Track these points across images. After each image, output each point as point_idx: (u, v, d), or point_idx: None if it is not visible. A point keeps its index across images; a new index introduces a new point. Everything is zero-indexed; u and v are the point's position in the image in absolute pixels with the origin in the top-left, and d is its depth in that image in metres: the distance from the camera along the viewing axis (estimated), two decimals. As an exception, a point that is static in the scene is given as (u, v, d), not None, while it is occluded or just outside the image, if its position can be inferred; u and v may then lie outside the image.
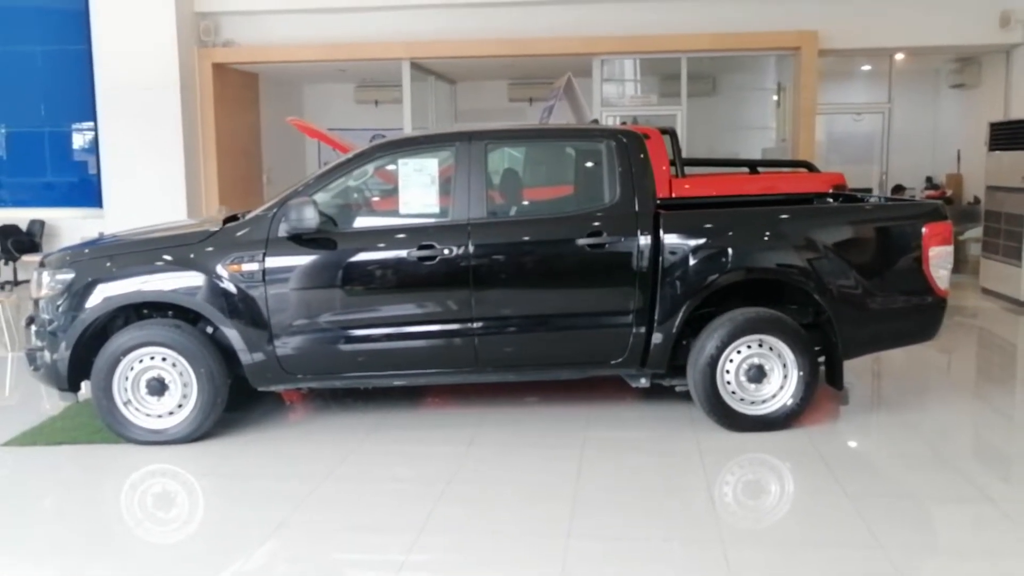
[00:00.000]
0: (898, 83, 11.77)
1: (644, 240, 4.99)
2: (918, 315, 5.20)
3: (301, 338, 4.99)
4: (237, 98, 12.20)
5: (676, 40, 10.70)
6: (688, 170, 7.72)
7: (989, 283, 9.84)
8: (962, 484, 4.29)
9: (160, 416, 5.00)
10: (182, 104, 10.95)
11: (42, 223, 11.56)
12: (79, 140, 11.97)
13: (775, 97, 12.32)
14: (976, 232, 10.42)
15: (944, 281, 5.11)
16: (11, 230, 11.36)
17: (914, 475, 4.42)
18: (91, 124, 11.47)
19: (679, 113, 11.20)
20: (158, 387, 4.97)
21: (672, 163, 7.49)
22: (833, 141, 12.77)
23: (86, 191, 11.87)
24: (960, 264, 10.07)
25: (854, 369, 5.31)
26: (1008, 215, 9.37)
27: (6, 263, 11.36)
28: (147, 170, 10.90)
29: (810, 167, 8.19)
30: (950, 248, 5.11)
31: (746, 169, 8.26)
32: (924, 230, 5.08)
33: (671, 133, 7.76)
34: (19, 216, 11.61)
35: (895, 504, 4.07)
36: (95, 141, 11.44)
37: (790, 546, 3.65)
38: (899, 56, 11.44)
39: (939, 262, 5.07)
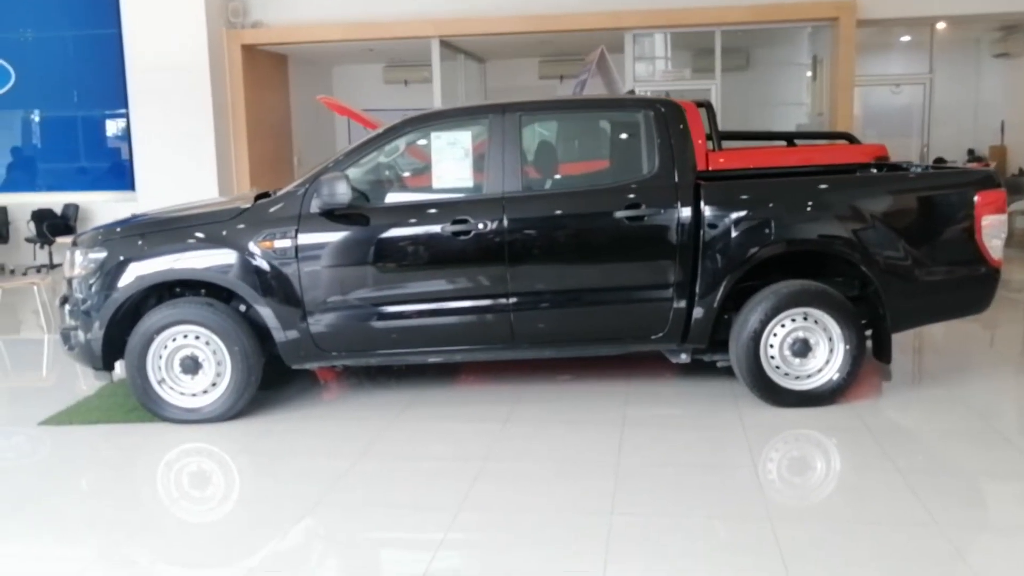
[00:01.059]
0: (938, 54, 11.46)
1: (684, 212, 4.85)
2: (970, 286, 5.02)
3: (334, 315, 4.92)
4: (267, 80, 12.16)
5: (710, 13, 10.50)
6: (725, 144, 7.52)
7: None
8: (1016, 459, 4.14)
9: (194, 395, 4.96)
10: (212, 86, 10.94)
11: (76, 207, 11.62)
12: (111, 124, 12.02)
13: (809, 73, 12.06)
14: (1022, 204, 10.14)
15: (997, 251, 4.92)
16: (46, 214, 11.43)
17: (966, 450, 4.27)
18: (123, 108, 11.49)
19: (713, 88, 11.00)
20: (192, 365, 4.93)
21: (708, 137, 7.31)
22: (869, 115, 12.48)
23: (119, 175, 11.92)
24: (1008, 237, 9.79)
25: (897, 345, 5.14)
26: (1057, 186, 9.09)
27: (41, 247, 11.44)
28: (178, 153, 10.92)
29: (851, 139, 7.92)
30: (1004, 217, 4.92)
31: (784, 142, 8.05)
32: (976, 198, 4.89)
33: (707, 106, 7.55)
34: (53, 200, 11.68)
35: (948, 480, 3.92)
36: (127, 124, 11.46)
37: (841, 523, 3.52)
38: (940, 25, 11.12)
39: (992, 231, 4.88)
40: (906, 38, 12.29)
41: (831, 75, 10.60)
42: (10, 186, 12.14)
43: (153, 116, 10.97)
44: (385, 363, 5.28)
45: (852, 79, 10.32)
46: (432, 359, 5.22)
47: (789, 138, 8.20)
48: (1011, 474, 3.99)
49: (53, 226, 11.24)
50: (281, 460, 4.49)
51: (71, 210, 11.61)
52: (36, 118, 12.09)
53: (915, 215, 4.98)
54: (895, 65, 12.68)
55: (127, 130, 11.51)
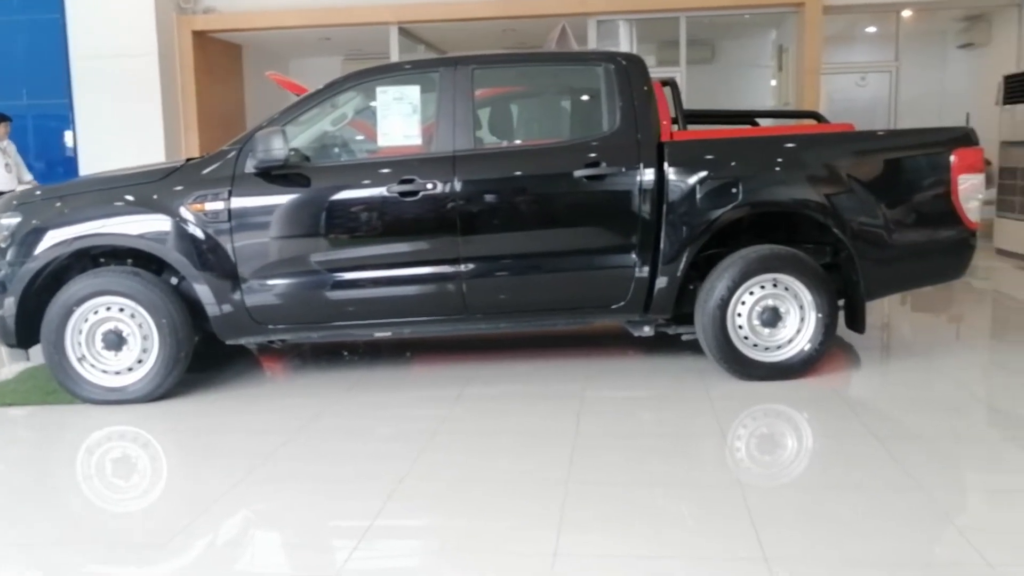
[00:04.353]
0: (904, 44, 11.33)
1: (647, 172, 4.55)
2: (947, 251, 4.76)
3: (272, 284, 4.55)
4: (220, 69, 11.76)
5: (675, -2, 10.27)
6: (691, 126, 7.28)
7: (1005, 243, 9.42)
8: (996, 422, 3.87)
9: (118, 373, 4.56)
10: (161, 74, 10.52)
11: (17, 200, 11.09)
12: (54, 113, 11.50)
13: (774, 61, 11.90)
14: (990, 194, 9.99)
15: (975, 213, 4.67)
16: (-16, 207, 10.90)
17: (944, 417, 3.99)
18: (66, 97, 11.00)
19: (678, 77, 10.76)
20: (116, 341, 4.53)
21: (674, 120, 7.07)
22: (836, 106, 12.31)
23: (63, 165, 11.41)
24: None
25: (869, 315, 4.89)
26: (1025, 170, 8.95)
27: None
28: (126, 143, 10.44)
29: (819, 118, 7.70)
30: (982, 176, 4.67)
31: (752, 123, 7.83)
32: (953, 158, 4.64)
33: (672, 84, 7.32)
34: (-8, 192, 11.14)
35: (929, 445, 3.64)
36: (71, 114, 10.98)
37: (820, 489, 3.22)
38: (906, 14, 11.00)
39: (969, 192, 4.63)
40: (872, 29, 12.17)
41: (797, 62, 10.42)
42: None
43: (99, 105, 10.51)
44: (329, 338, 4.91)
45: (819, 66, 10.14)
46: (379, 333, 4.85)
47: (756, 117, 8.00)
48: (992, 437, 3.73)
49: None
50: (210, 437, 4.12)
51: (12, 203, 11.08)
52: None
53: (889, 176, 4.71)
54: (861, 54, 12.57)
55: (71, 120, 11.02)
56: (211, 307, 4.57)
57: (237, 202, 4.50)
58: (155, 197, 4.54)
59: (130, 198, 4.57)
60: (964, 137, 4.73)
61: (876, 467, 3.39)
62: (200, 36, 11.02)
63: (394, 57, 11.16)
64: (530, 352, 5.46)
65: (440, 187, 4.49)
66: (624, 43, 11.35)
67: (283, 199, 4.53)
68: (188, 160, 4.79)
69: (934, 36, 12.78)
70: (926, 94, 12.54)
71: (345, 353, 5.67)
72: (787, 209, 4.63)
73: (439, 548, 2.84)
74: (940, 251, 4.76)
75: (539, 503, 3.14)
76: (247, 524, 3.12)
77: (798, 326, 4.61)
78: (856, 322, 4.84)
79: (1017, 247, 9.12)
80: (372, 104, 4.74)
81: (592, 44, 10.80)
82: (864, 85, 12.36)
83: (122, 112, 10.43)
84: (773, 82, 11.98)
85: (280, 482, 3.46)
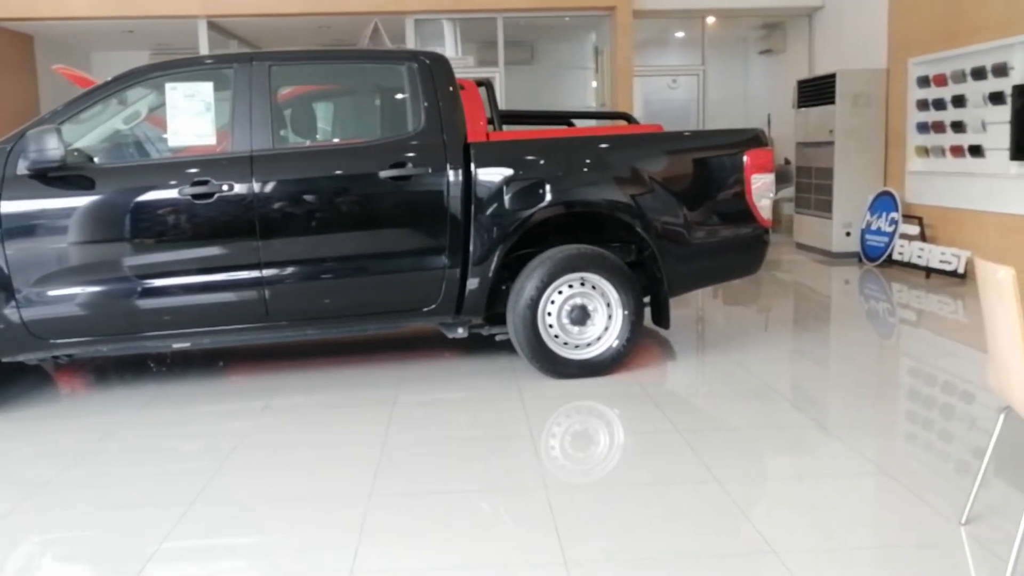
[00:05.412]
0: (710, 51, 11.87)
1: (454, 173, 4.49)
2: (742, 248, 4.98)
3: (53, 295, 4.19)
4: (7, 61, 10.83)
5: (492, -1, 10.32)
6: (506, 127, 7.32)
7: (803, 238, 10.03)
8: (790, 415, 4.07)
9: None
10: (-64, 65, 9.57)
11: None
12: None
13: (592, 65, 12.20)
14: (789, 192, 10.63)
15: (767, 211, 4.91)
16: None
17: (744, 408, 4.15)
18: None
19: (496, 77, 10.83)
20: None
21: (490, 120, 7.08)
22: (650, 108, 12.79)
23: None
24: (774, 223, 10.23)
25: (676, 318, 5.05)
26: (818, 169, 9.55)
27: None
28: None
29: (629, 119, 7.92)
30: (772, 176, 4.90)
31: (564, 124, 7.96)
32: (745, 159, 4.85)
33: (487, 85, 7.33)
34: None
35: (726, 437, 3.77)
36: None
37: (619, 487, 3.26)
38: (710, 20, 11.52)
39: (761, 191, 4.86)
40: (680, 34, 12.69)
41: (611, 65, 10.70)
42: None
43: None
44: (121, 351, 4.56)
45: (631, 68, 10.45)
46: (176, 344, 4.55)
47: (568, 118, 8.15)
48: (792, 424, 3.90)
49: None
50: (-21, 468, 3.73)
51: None
52: None
53: (689, 176, 4.87)
54: (672, 58, 13.09)
55: None
56: (-18, 321, 4.15)
57: (7, 206, 4.12)
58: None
59: None
60: (755, 139, 4.95)
61: (677, 461, 3.48)
62: (-17, 25, 10.11)
63: (204, 52, 10.64)
64: (343, 358, 5.30)
65: (237, 188, 4.26)
66: (448, 43, 11.32)
67: (62, 203, 4.18)
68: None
69: (737, 42, 13.49)
70: (731, 96, 13.22)
71: (151, 364, 5.32)
72: (595, 209, 4.69)
73: (227, 571, 2.66)
74: (736, 248, 4.96)
75: (338, 518, 3.02)
76: (5, 563, 2.82)
77: (606, 323, 4.69)
78: (661, 318, 4.98)
79: (813, 241, 9.74)
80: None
81: (410, 43, 10.70)
82: (676, 87, 12.88)
83: None
84: (594, 84, 12.28)
85: (54, 513, 3.16)
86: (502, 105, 10.11)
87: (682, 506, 3.05)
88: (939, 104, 8.20)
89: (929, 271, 7.87)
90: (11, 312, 4.16)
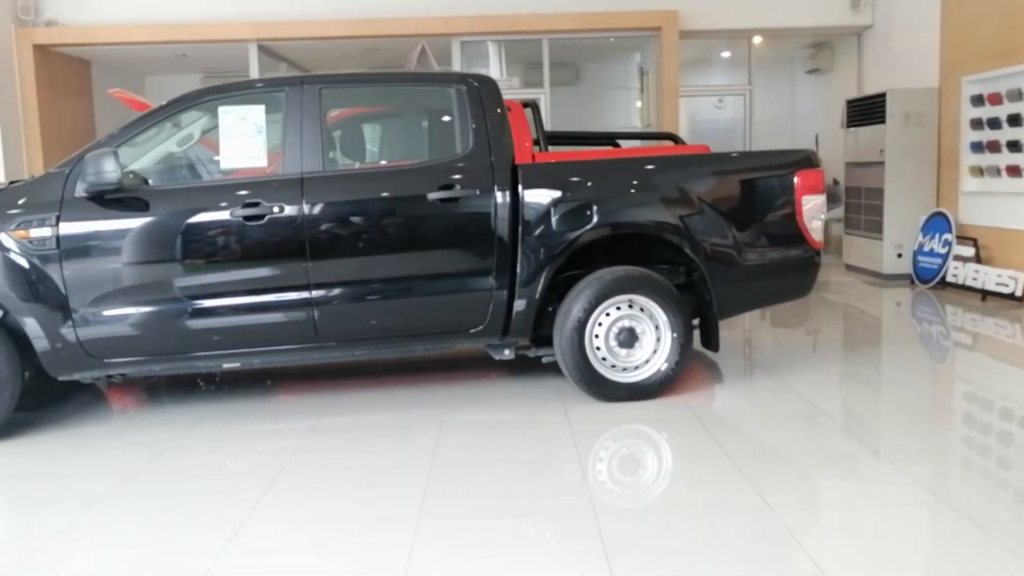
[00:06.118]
0: (757, 70, 11.79)
1: (501, 195, 4.50)
2: (793, 270, 4.90)
3: (108, 315, 4.26)
4: (66, 85, 11.12)
5: (537, 20, 10.38)
6: (554, 148, 7.33)
7: (852, 259, 9.88)
8: (842, 440, 3.98)
9: (-66, 415, 4.17)
10: (-1, 90, 9.86)
11: None
12: None
13: (637, 85, 12.19)
14: (838, 212, 10.48)
15: (818, 233, 4.83)
16: None
17: (795, 434, 4.08)
18: None
19: (542, 98, 10.87)
20: (-70, 380, 4.15)
21: (536, 142, 7.10)
22: (696, 128, 12.72)
23: None
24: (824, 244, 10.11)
25: (724, 339, 4.98)
26: (868, 190, 9.42)
27: None
28: (-42, 164, 9.75)
29: (675, 139, 7.90)
30: (823, 197, 4.83)
31: (612, 144, 7.96)
32: (796, 180, 4.79)
33: (533, 106, 7.37)
34: None
35: (778, 464, 3.70)
36: None
37: (669, 514, 3.21)
38: (757, 40, 11.45)
39: (812, 212, 4.79)
40: (726, 54, 12.63)
41: (657, 85, 10.68)
42: None
43: (-73, 122, 9.77)
44: (172, 371, 4.63)
45: (677, 88, 10.42)
46: (227, 364, 4.60)
47: (614, 139, 8.15)
48: (845, 451, 3.82)
49: None
50: (35, 483, 3.78)
51: None
52: None
53: (738, 197, 4.82)
54: (718, 77, 13.03)
55: None
56: (39, 341, 4.24)
57: (66, 228, 4.21)
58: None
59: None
60: (805, 159, 4.89)
61: (727, 487, 3.42)
62: (43, 50, 10.40)
63: (254, 74, 10.83)
64: (391, 379, 5.32)
65: (287, 210, 4.32)
66: (493, 64, 11.39)
67: (118, 224, 4.26)
68: (11, 183, 4.44)
69: (783, 61, 13.38)
70: (779, 117, 13.10)
71: (201, 383, 5.39)
72: (643, 231, 4.66)
73: (277, 596, 2.68)
74: (787, 270, 4.89)
75: (388, 541, 3.01)
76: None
77: (654, 346, 4.65)
78: (710, 341, 4.92)
79: (862, 262, 9.58)
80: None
81: (456, 65, 10.78)
82: (722, 107, 12.79)
83: (-47, 130, 9.72)
84: (639, 104, 12.26)
85: (107, 529, 3.20)
86: (547, 126, 10.15)
87: (732, 533, 2.99)
88: (994, 123, 8.04)
89: (985, 293, 7.69)
90: (67, 331, 4.24)
